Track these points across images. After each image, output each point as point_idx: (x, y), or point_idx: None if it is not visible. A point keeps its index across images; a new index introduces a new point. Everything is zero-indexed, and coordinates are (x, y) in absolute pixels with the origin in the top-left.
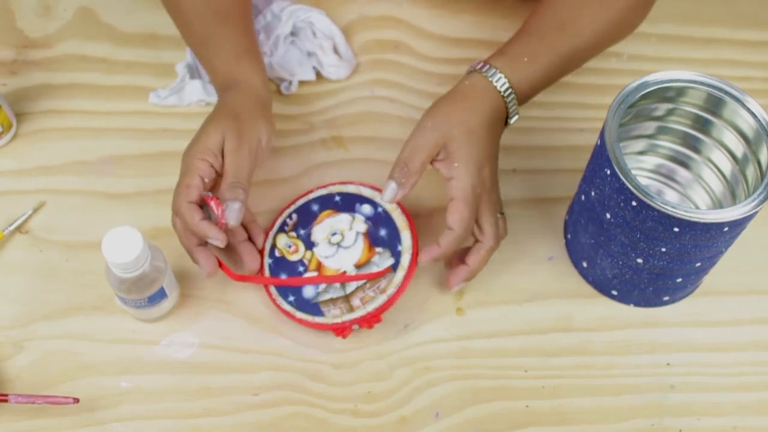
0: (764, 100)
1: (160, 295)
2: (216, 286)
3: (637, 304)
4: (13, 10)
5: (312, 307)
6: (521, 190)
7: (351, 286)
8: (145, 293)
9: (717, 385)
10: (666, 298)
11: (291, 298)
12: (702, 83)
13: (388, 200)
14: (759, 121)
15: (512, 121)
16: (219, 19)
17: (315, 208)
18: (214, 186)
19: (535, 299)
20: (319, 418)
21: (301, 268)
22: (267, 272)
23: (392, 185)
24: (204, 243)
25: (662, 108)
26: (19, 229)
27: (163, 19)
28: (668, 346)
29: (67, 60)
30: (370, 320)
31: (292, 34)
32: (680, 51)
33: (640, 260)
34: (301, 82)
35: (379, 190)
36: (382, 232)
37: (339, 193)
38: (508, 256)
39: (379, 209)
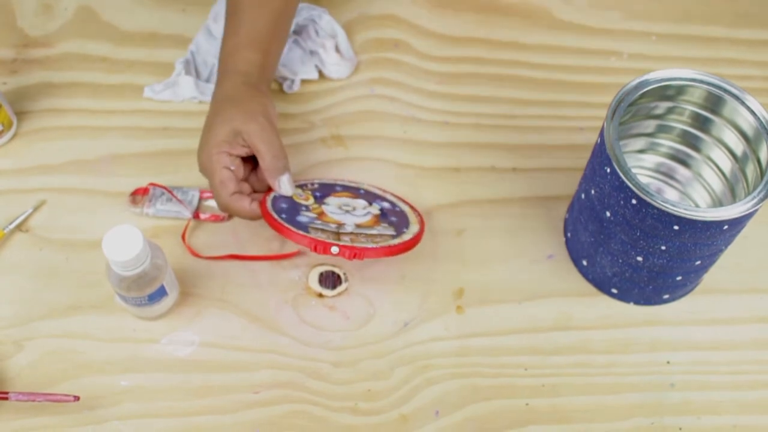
0: (764, 98)
1: (161, 293)
2: (216, 285)
3: (637, 302)
4: (13, 9)
5: (300, 227)
6: (521, 188)
7: (346, 229)
8: (146, 291)
9: (717, 383)
10: (666, 297)
11: (284, 216)
12: (702, 81)
13: None
14: (759, 119)
15: None
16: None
17: (338, 188)
18: (251, 171)
19: (535, 297)
20: (319, 416)
21: (303, 209)
22: (268, 202)
23: None
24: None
25: (662, 106)
26: (19, 227)
27: (163, 18)
28: (668, 345)
29: (67, 59)
30: (352, 252)
31: (295, 32)
32: (680, 49)
33: (640, 258)
34: (301, 81)
35: (411, 206)
36: (393, 218)
37: (365, 190)
38: (508, 254)
39: (397, 208)
